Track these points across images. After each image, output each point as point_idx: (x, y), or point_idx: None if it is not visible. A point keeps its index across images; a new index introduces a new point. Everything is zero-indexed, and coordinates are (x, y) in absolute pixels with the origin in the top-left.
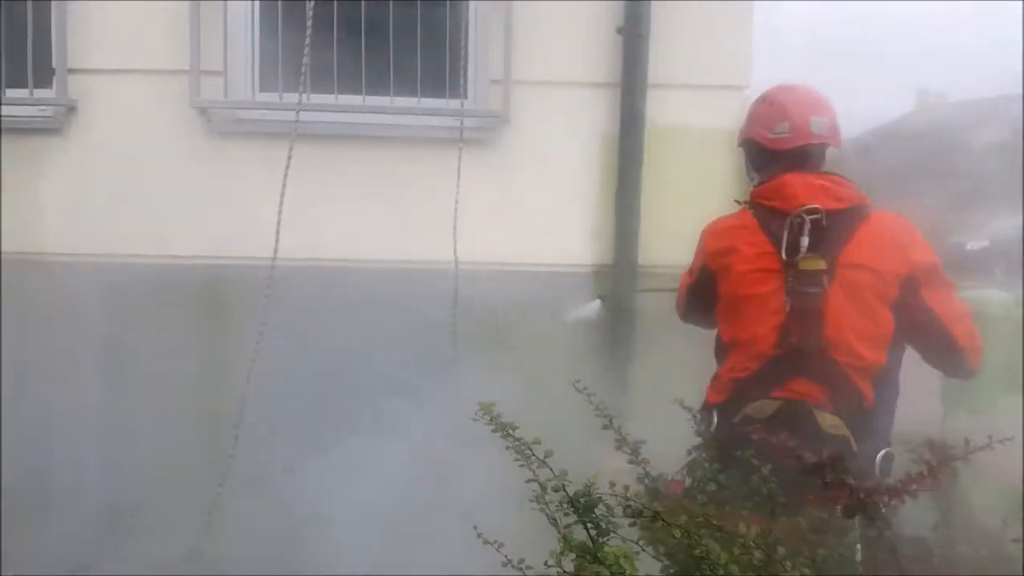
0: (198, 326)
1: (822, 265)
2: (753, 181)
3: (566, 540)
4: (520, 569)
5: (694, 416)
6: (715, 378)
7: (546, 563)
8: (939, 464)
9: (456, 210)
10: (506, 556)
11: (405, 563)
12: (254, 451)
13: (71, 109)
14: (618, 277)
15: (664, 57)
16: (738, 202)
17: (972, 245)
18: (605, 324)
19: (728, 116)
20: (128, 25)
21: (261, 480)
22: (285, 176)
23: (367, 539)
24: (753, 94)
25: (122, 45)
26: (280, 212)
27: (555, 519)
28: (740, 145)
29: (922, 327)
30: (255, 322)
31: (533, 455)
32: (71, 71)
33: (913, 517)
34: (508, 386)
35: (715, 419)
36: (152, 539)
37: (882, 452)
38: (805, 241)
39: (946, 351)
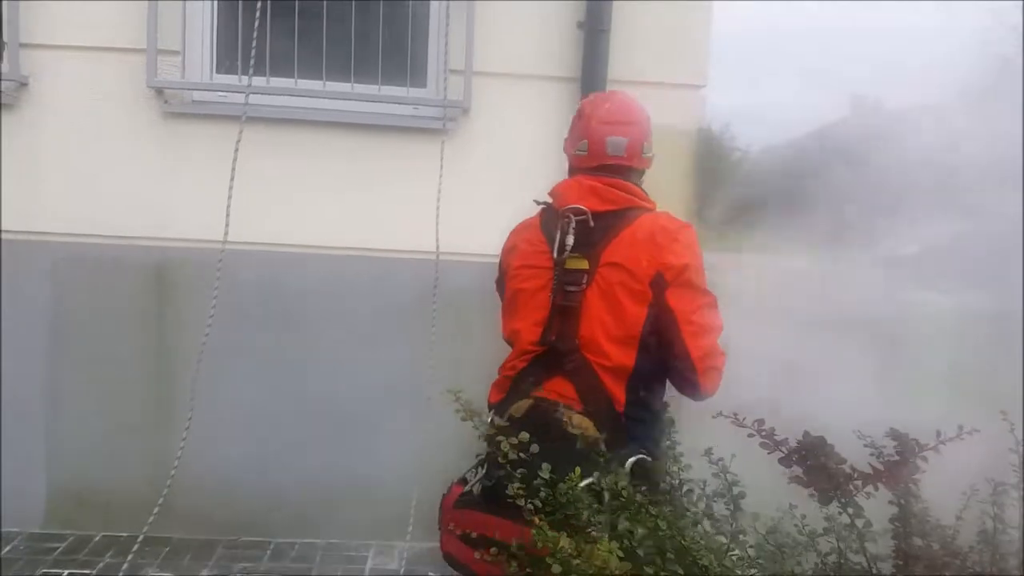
0: (148, 308)
1: (584, 264)
2: None
3: (540, 532)
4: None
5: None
6: (497, 374)
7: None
8: (909, 455)
9: (439, 200)
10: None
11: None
12: (205, 432)
13: (23, 85)
14: None
15: (624, 53)
16: (536, 202)
17: (903, 250)
18: None
19: (686, 114)
20: (84, 1)
21: (214, 465)
22: (234, 159)
23: (322, 520)
24: (710, 93)
25: (77, 21)
26: (230, 196)
27: (534, 511)
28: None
29: (663, 332)
30: (206, 305)
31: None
32: (23, 46)
33: (871, 511)
34: (464, 375)
35: (492, 419)
36: (103, 525)
37: (634, 458)
38: (570, 240)
39: (679, 360)
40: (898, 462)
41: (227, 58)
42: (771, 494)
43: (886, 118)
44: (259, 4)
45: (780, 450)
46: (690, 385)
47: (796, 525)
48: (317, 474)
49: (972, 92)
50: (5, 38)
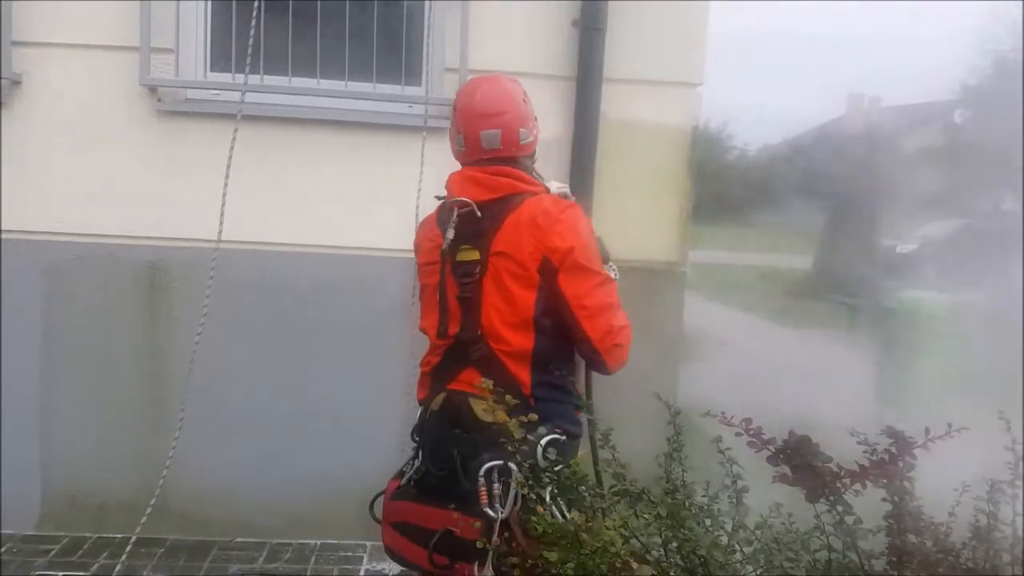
0: (142, 307)
1: (476, 255)
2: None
3: (540, 519)
4: None
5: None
6: (421, 370)
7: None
8: (899, 451)
9: (419, 197)
10: None
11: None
12: (199, 433)
13: (15, 83)
14: None
15: (619, 51)
16: (437, 197)
17: (902, 248)
18: None
19: (681, 112)
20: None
21: (209, 466)
22: (230, 157)
23: (317, 521)
24: (706, 91)
25: (70, 19)
26: (224, 194)
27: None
28: None
29: (561, 315)
30: (199, 306)
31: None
32: (16, 44)
33: (864, 507)
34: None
35: (423, 415)
36: (97, 526)
37: (546, 438)
38: (451, 233)
39: (581, 344)
40: (885, 460)
41: (220, 56)
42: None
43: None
44: (255, 3)
45: (767, 449)
46: (596, 364)
47: (783, 523)
48: (312, 475)
49: (969, 89)
50: None
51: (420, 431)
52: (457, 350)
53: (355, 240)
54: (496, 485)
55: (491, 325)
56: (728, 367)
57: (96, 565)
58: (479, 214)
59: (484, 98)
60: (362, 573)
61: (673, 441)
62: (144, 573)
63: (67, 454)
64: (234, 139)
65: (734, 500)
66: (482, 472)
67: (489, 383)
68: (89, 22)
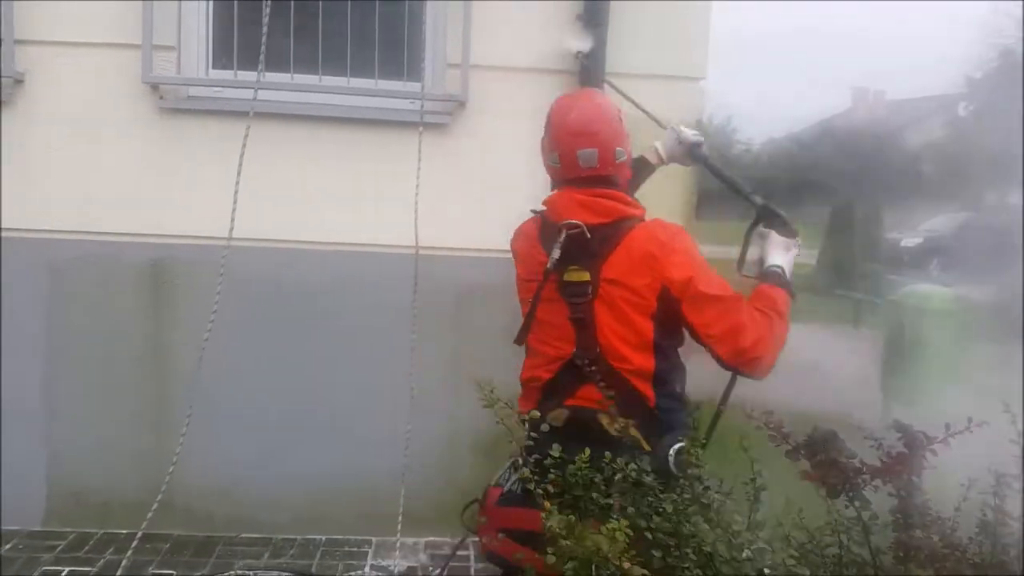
0: (146, 305)
1: (585, 277)
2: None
3: (550, 516)
4: None
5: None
6: (522, 384)
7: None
8: (917, 446)
9: (417, 194)
10: None
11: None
12: (204, 430)
13: (18, 82)
14: None
15: (622, 46)
16: (533, 212)
17: (907, 242)
18: None
19: (685, 107)
20: None
21: (214, 462)
22: (242, 155)
23: (322, 516)
24: (708, 86)
25: (72, 17)
26: (236, 191)
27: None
28: None
29: (684, 333)
30: (202, 303)
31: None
32: (19, 42)
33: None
34: (462, 370)
35: (527, 428)
36: (103, 523)
37: (675, 447)
38: (556, 253)
39: (721, 363)
40: (906, 455)
41: (223, 54)
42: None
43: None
44: (263, 1)
45: (788, 443)
46: (744, 375)
47: (795, 519)
48: (317, 470)
49: (974, 82)
50: (0, 35)
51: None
52: (574, 367)
53: (358, 237)
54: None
55: (610, 345)
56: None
57: (102, 561)
58: (588, 236)
59: (580, 116)
60: (367, 568)
61: (692, 436)
62: (150, 569)
63: (72, 451)
64: (246, 136)
65: (751, 497)
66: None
67: (613, 410)
68: (91, 20)
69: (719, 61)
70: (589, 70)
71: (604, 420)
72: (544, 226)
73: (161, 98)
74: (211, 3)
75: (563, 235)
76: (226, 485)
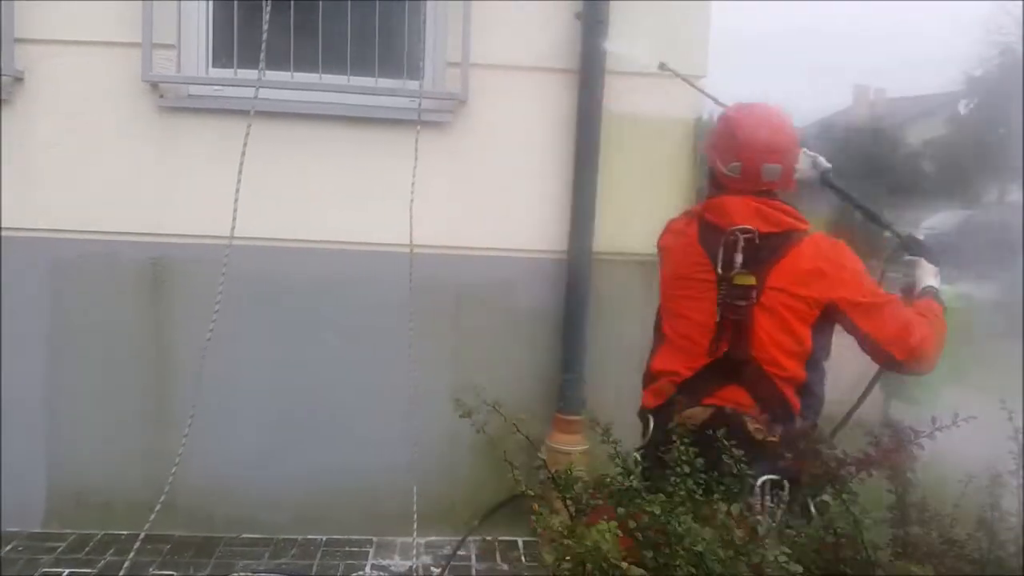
0: (146, 304)
1: (752, 281)
2: (704, 191)
3: (540, 518)
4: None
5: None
6: (650, 380)
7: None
8: (902, 440)
9: (413, 193)
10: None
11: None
12: (204, 430)
13: (17, 80)
14: (573, 262)
15: (622, 44)
16: (687, 213)
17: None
18: (559, 309)
19: (684, 104)
20: None
21: (214, 463)
22: (243, 154)
23: (323, 516)
24: (706, 84)
25: (72, 15)
26: (238, 190)
27: (532, 494)
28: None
29: (860, 343)
30: (203, 303)
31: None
32: (18, 40)
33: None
34: (462, 369)
35: (651, 424)
36: (103, 524)
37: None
38: (739, 258)
39: (888, 364)
40: (893, 449)
41: (223, 52)
42: None
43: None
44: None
45: (772, 436)
46: (910, 373)
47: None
48: (317, 470)
49: (974, 80)
50: (0, 33)
51: (651, 443)
52: (721, 367)
53: (360, 236)
54: (767, 498)
55: (766, 349)
56: None
57: (102, 562)
58: (758, 243)
59: (772, 133)
60: (368, 568)
61: (677, 433)
62: (151, 570)
63: (72, 451)
64: (247, 134)
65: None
66: (758, 485)
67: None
68: (91, 19)
69: (720, 59)
70: (590, 68)
71: (751, 424)
72: (704, 227)
73: (161, 97)
74: (211, 2)
75: (741, 240)
76: (226, 485)
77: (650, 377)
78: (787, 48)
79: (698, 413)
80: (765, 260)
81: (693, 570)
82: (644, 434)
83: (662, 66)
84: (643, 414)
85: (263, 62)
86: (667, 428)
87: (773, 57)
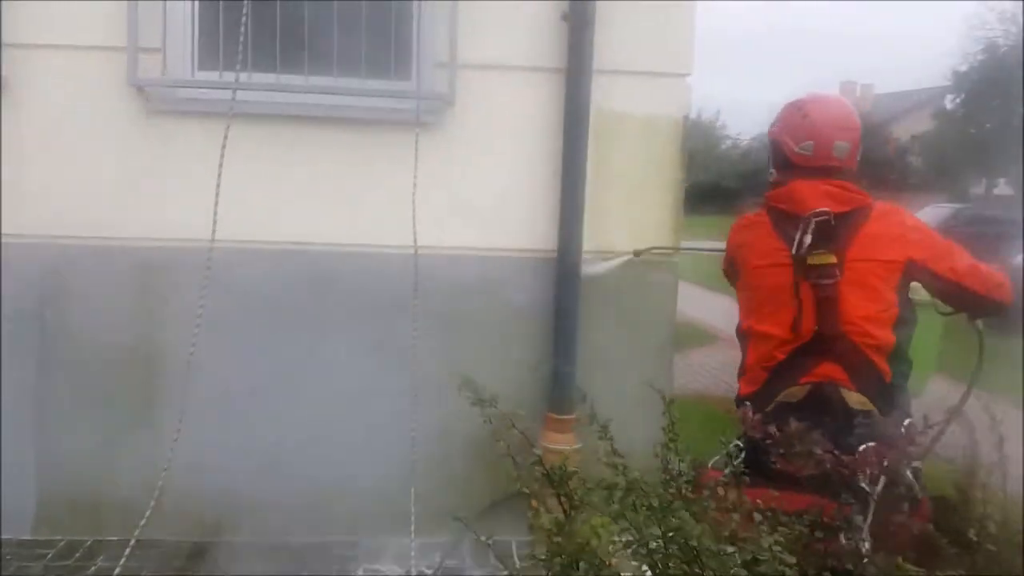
0: (135, 309)
1: (832, 259)
2: (771, 177)
3: (536, 514)
4: None
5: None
6: (745, 370)
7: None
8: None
9: (414, 193)
10: None
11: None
12: (196, 434)
13: (2, 85)
14: (561, 262)
15: (609, 44)
16: (760, 205)
17: None
18: (549, 309)
19: (671, 103)
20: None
21: (205, 467)
22: (222, 156)
23: (315, 519)
24: (694, 82)
25: (56, 19)
26: (217, 193)
27: (528, 491)
28: (768, 140)
29: (943, 292)
30: (194, 307)
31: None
32: (2, 45)
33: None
34: (452, 369)
35: (750, 410)
36: (94, 529)
37: (907, 421)
38: (808, 239)
39: (971, 301)
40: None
41: (209, 55)
42: None
43: (874, 104)
44: (245, 1)
45: (769, 439)
46: (992, 310)
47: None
48: (309, 473)
49: (960, 76)
50: None
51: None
52: (812, 346)
53: (350, 237)
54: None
55: (855, 322)
56: (723, 356)
57: (93, 568)
58: (833, 223)
59: (841, 112)
60: (360, 572)
61: (668, 431)
62: (142, 575)
63: (63, 456)
64: (226, 137)
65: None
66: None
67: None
68: (75, 23)
69: (706, 57)
70: (577, 67)
71: (847, 396)
72: (778, 216)
73: (147, 100)
74: (196, 4)
75: (812, 223)
76: (217, 490)
77: (746, 368)
78: (773, 47)
79: (796, 391)
80: (842, 237)
81: (686, 567)
82: (744, 421)
83: (637, 252)
84: (740, 402)
85: (240, 64)
86: (767, 411)
87: (759, 56)
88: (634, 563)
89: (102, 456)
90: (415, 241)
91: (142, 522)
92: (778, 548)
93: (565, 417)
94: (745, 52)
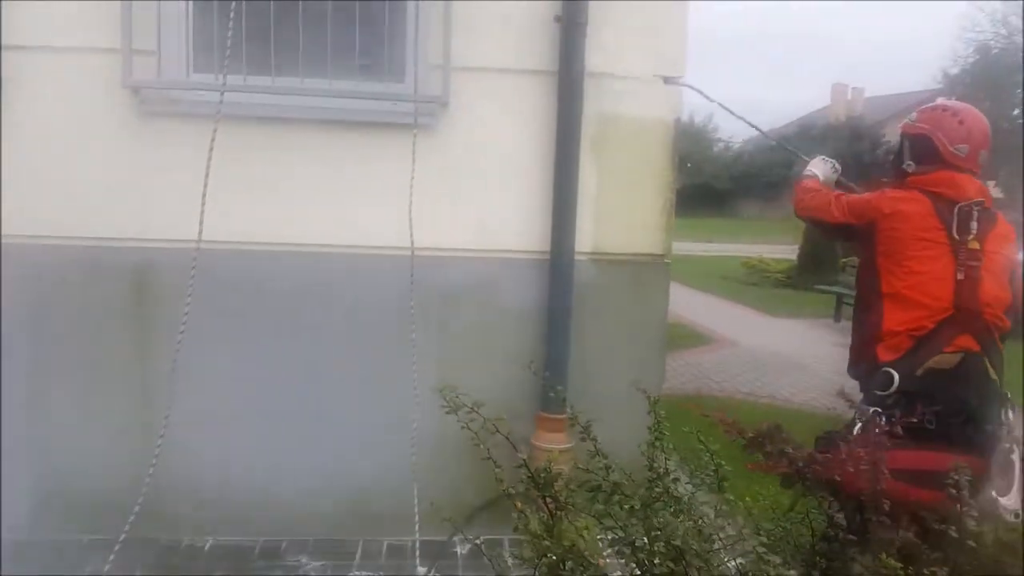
0: (129, 309)
1: (977, 246)
2: (909, 168)
3: (521, 517)
4: None
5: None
6: (885, 336)
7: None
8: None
9: (411, 195)
10: None
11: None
12: (188, 433)
13: (2, 85)
14: (554, 263)
15: (601, 46)
16: (883, 181)
17: None
18: (542, 309)
19: (662, 105)
20: (59, 1)
21: (199, 465)
22: (209, 158)
23: (308, 517)
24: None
25: (51, 21)
26: (204, 194)
27: (513, 493)
28: (909, 134)
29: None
30: (190, 307)
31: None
32: (1, 47)
33: None
34: (446, 370)
35: (895, 376)
36: (85, 523)
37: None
38: (974, 226)
39: None
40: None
41: (204, 57)
42: None
43: (866, 106)
44: (233, 3)
45: (742, 438)
46: None
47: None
48: (301, 472)
49: (951, 78)
50: None
51: (901, 392)
52: (958, 320)
53: (341, 238)
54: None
55: (990, 303)
56: (714, 356)
57: (88, 567)
58: (978, 214)
59: (986, 125)
60: (355, 568)
61: (654, 431)
62: (136, 573)
63: (55, 457)
64: (213, 139)
65: (715, 488)
66: (1003, 417)
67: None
68: (70, 25)
69: (699, 60)
70: (569, 70)
71: (989, 368)
72: (935, 198)
73: (142, 102)
74: (191, 5)
75: (976, 211)
76: (211, 488)
77: (887, 334)
78: (765, 49)
79: (947, 359)
80: (983, 229)
81: (672, 565)
82: (886, 387)
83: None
84: (877, 367)
85: (234, 67)
86: (916, 375)
87: (751, 58)
88: (621, 561)
89: (97, 456)
90: (411, 243)
91: (130, 519)
92: (763, 549)
93: (557, 416)
94: (737, 55)
